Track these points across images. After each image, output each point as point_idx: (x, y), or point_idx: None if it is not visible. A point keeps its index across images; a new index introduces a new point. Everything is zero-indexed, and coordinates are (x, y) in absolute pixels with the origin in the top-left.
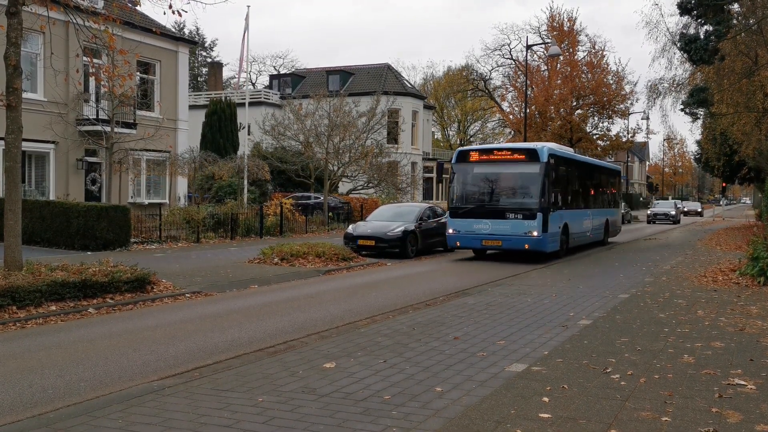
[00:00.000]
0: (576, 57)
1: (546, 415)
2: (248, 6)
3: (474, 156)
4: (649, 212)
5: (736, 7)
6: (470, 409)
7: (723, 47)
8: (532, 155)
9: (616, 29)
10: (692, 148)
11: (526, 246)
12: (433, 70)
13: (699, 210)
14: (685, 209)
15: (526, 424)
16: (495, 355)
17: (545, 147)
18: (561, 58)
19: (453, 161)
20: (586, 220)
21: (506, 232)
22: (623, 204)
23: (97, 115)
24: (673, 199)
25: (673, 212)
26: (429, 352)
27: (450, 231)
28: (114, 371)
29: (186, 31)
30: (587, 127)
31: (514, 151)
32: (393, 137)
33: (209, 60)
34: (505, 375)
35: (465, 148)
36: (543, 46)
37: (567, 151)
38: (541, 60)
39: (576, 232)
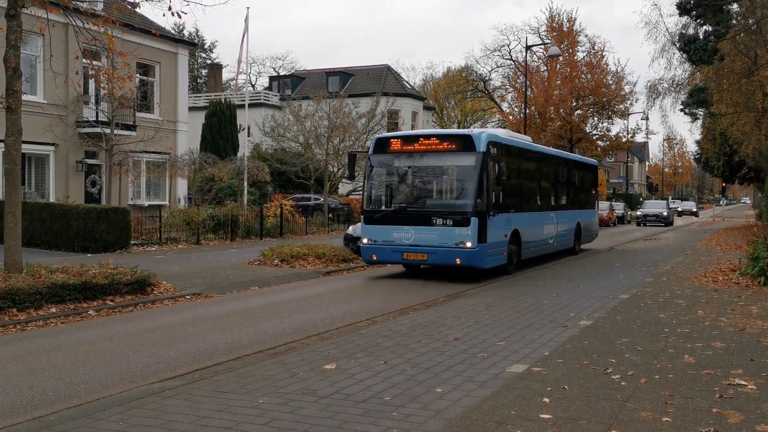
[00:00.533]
0: (575, 57)
1: (547, 416)
2: (248, 7)
3: (395, 145)
4: (638, 213)
5: (735, 7)
6: (471, 410)
7: (722, 47)
8: (466, 144)
9: (613, 30)
10: (692, 148)
11: (458, 261)
12: (433, 71)
13: (694, 210)
14: (679, 209)
15: (527, 425)
16: (495, 355)
17: (483, 133)
18: (560, 58)
19: (370, 152)
20: (548, 225)
21: (432, 242)
22: (623, 204)
23: (97, 117)
24: (673, 198)
25: (665, 213)
26: (429, 353)
27: (364, 241)
28: (114, 373)
29: (185, 32)
30: (587, 128)
31: (444, 138)
32: None
33: (209, 62)
34: (505, 376)
35: (384, 135)
36: (543, 46)
37: (519, 139)
38: (540, 60)
39: (532, 240)
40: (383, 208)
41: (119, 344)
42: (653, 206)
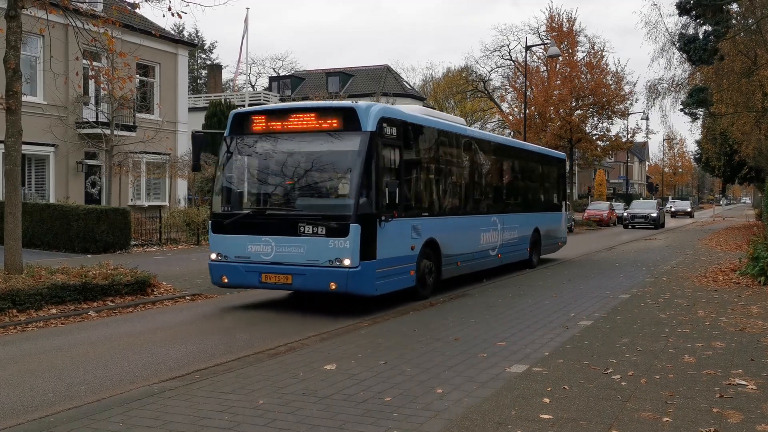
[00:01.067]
0: (575, 57)
1: (547, 416)
2: (247, 8)
3: (258, 123)
4: (625, 214)
5: (734, 7)
6: (471, 410)
7: (722, 47)
8: (347, 121)
9: (610, 32)
10: (692, 148)
11: (332, 286)
12: (433, 72)
13: (688, 210)
14: (673, 209)
15: (527, 425)
16: (496, 356)
17: (373, 107)
18: (560, 58)
19: (225, 133)
20: (488, 233)
21: (299, 259)
22: (623, 204)
23: (97, 117)
24: (673, 198)
25: (655, 214)
26: (430, 353)
27: (212, 257)
28: (115, 374)
29: (185, 33)
30: (587, 128)
31: (321, 114)
32: None
33: (209, 62)
34: (505, 376)
35: (243, 110)
36: (542, 46)
37: (440, 118)
38: (540, 61)
39: (459, 252)
40: (237, 210)
41: (119, 345)
42: (642, 206)
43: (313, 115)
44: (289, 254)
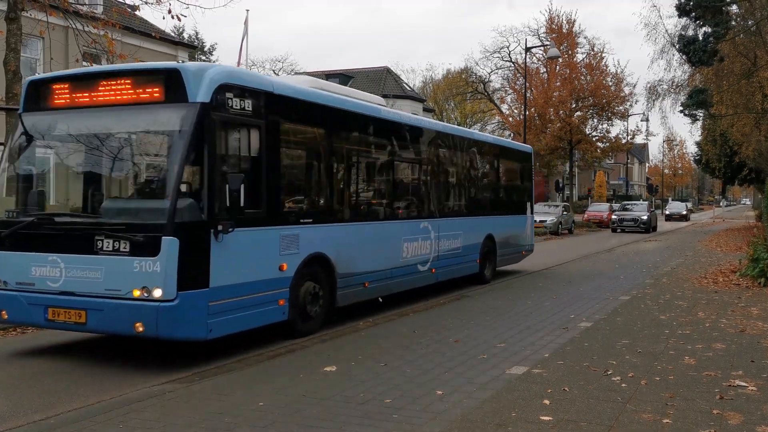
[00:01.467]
0: (575, 59)
1: (547, 418)
2: (247, 10)
3: (59, 94)
4: (613, 217)
5: (734, 8)
6: (471, 411)
7: (722, 48)
8: (171, 88)
9: (610, 33)
10: (692, 149)
11: (138, 327)
12: (432, 73)
13: (683, 213)
14: (667, 212)
15: (527, 427)
16: (496, 357)
17: (207, 71)
18: (560, 60)
19: (20, 108)
20: (415, 242)
21: (95, 288)
22: (617, 206)
23: None
24: (673, 200)
25: (645, 217)
26: (429, 355)
27: None
28: (115, 376)
29: (185, 35)
30: (587, 129)
31: (138, 79)
32: None
33: None
34: (505, 377)
35: (42, 76)
36: (542, 48)
37: (337, 92)
38: (540, 62)
39: (369, 270)
40: (18, 217)
41: (119, 346)
42: (633, 209)
43: (128, 81)
44: (83, 280)
